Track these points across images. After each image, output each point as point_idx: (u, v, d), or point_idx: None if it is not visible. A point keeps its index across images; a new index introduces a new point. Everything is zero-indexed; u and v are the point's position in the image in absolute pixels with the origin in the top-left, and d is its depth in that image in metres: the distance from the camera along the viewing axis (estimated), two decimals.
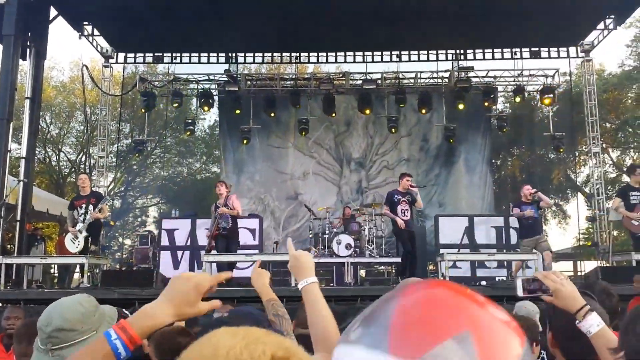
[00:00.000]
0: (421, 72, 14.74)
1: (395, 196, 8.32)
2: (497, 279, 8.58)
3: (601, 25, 13.14)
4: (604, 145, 15.74)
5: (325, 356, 1.72)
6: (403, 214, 8.20)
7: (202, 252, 9.15)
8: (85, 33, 13.00)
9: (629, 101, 19.82)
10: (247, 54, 14.48)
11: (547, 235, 8.15)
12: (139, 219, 22.19)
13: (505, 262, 8.80)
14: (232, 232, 8.56)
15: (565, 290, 1.74)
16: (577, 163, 19.92)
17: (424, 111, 14.12)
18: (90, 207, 8.39)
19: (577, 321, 1.72)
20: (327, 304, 1.81)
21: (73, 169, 21.02)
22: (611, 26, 12.99)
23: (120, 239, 21.19)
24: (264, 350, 0.69)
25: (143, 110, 14.57)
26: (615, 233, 14.79)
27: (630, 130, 19.76)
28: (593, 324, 1.69)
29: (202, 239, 9.69)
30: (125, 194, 21.31)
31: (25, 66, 10.19)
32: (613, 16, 12.75)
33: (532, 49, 13.82)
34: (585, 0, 11.12)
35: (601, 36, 13.49)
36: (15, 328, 4.31)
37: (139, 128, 16.52)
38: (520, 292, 1.81)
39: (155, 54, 14.14)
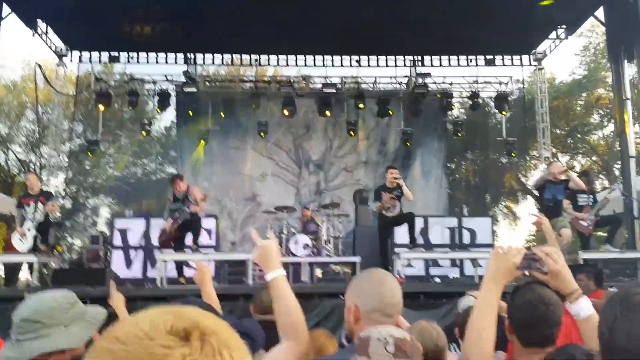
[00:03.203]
0: (380, 77, 14.94)
1: (382, 192, 8.23)
2: (450, 276, 8.76)
3: (553, 35, 13.62)
4: (554, 150, 16.30)
5: (293, 344, 1.78)
6: (388, 211, 8.13)
7: (156, 251, 8.99)
8: (39, 31, 12.65)
9: (578, 108, 20.62)
10: (205, 55, 14.34)
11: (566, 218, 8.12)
12: (90, 219, 21.60)
13: (457, 261, 8.99)
14: (194, 221, 8.30)
15: (564, 272, 1.74)
16: (527, 167, 20.62)
17: (386, 115, 14.28)
18: (40, 205, 8.14)
19: (567, 303, 1.76)
20: (294, 295, 1.84)
21: (23, 169, 20.32)
22: (562, 36, 13.49)
23: (70, 239, 20.58)
24: (166, 320, 0.69)
25: (99, 109, 14.16)
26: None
27: (579, 136, 20.57)
28: (584, 307, 1.74)
29: (157, 239, 9.50)
30: (77, 194, 20.73)
31: None
32: (564, 26, 13.23)
33: (487, 57, 14.20)
34: (537, 10, 11.47)
35: (553, 45, 13.99)
36: None
37: (93, 128, 16.13)
38: None
39: (111, 53, 13.89)
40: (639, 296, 1.34)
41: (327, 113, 14.14)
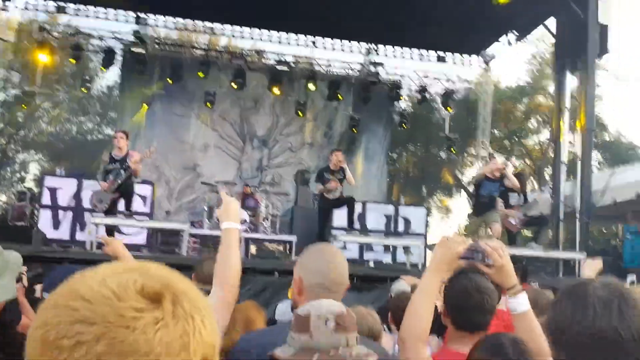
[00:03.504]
0: (333, 60, 14.92)
1: (326, 174, 8.28)
2: (384, 261, 8.96)
3: (503, 39, 13.95)
4: (491, 150, 16.92)
5: (220, 291, 1.85)
6: (329, 193, 8.21)
7: (87, 214, 8.69)
8: None
9: (518, 113, 21.43)
10: (157, 16, 13.79)
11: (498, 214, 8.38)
12: (18, 174, 20.51)
13: (390, 247, 9.23)
14: (128, 185, 8.11)
15: (508, 267, 1.78)
16: (463, 164, 21.36)
17: (335, 98, 14.29)
18: None
19: (506, 297, 1.80)
20: (239, 252, 1.94)
21: None
22: (513, 40, 13.84)
23: None
24: (136, 280, 0.63)
25: (38, 59, 13.38)
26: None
27: (516, 139, 21.45)
28: (522, 303, 1.77)
29: (88, 201, 9.17)
30: (6, 147, 19.62)
31: None
32: (515, 31, 13.58)
33: (439, 54, 14.45)
34: (491, 12, 11.71)
35: (502, 49, 14.36)
36: None
37: (30, 79, 15.30)
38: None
39: (59, 3, 13.12)
40: (583, 287, 1.40)
41: (277, 90, 14.00)
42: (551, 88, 17.20)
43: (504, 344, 1.66)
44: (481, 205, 8.57)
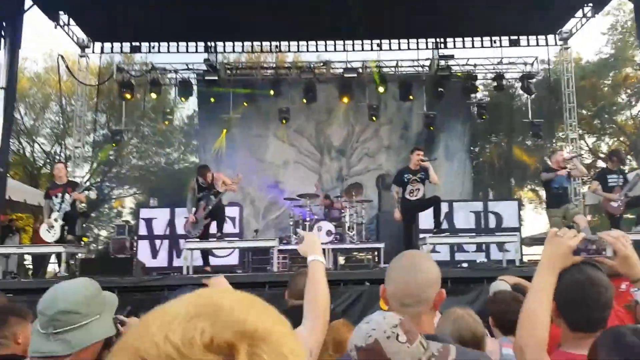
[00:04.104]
0: (402, 60, 14.73)
1: (406, 175, 7.94)
2: (477, 261, 8.63)
3: (579, 14, 13.22)
4: (580, 131, 15.94)
5: (311, 326, 1.81)
6: (412, 194, 7.91)
7: (182, 241, 9.05)
8: (61, 23, 12.76)
9: (605, 88, 20.11)
10: (226, 42, 14.28)
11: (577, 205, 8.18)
12: (115, 210, 21.87)
13: (483, 246, 8.86)
14: (219, 209, 8.33)
15: (634, 257, 1.68)
16: (553, 149, 20.18)
17: (408, 98, 14.08)
18: (67, 196, 8.24)
19: (635, 289, 1.72)
20: (326, 284, 1.93)
21: (48, 160, 20.70)
22: (589, 14, 13.08)
23: (96, 230, 20.89)
24: (203, 330, 0.53)
25: (125, 97, 14.23)
26: (589, 217, 14.98)
27: (606, 116, 20.10)
28: None
29: (181, 228, 9.55)
30: (101, 185, 21.01)
31: None
32: (591, 4, 12.83)
33: (511, 37, 13.87)
34: None
35: (579, 24, 13.60)
36: None
37: (116, 118, 16.30)
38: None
39: (133, 43, 13.93)
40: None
41: (348, 99, 14.03)
42: (638, 57, 16.10)
43: (625, 334, 1.52)
44: (554, 198, 8.25)
